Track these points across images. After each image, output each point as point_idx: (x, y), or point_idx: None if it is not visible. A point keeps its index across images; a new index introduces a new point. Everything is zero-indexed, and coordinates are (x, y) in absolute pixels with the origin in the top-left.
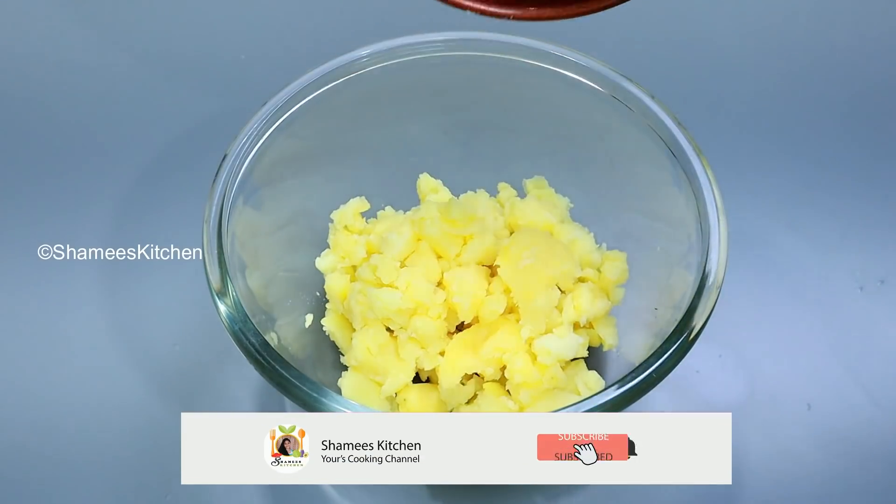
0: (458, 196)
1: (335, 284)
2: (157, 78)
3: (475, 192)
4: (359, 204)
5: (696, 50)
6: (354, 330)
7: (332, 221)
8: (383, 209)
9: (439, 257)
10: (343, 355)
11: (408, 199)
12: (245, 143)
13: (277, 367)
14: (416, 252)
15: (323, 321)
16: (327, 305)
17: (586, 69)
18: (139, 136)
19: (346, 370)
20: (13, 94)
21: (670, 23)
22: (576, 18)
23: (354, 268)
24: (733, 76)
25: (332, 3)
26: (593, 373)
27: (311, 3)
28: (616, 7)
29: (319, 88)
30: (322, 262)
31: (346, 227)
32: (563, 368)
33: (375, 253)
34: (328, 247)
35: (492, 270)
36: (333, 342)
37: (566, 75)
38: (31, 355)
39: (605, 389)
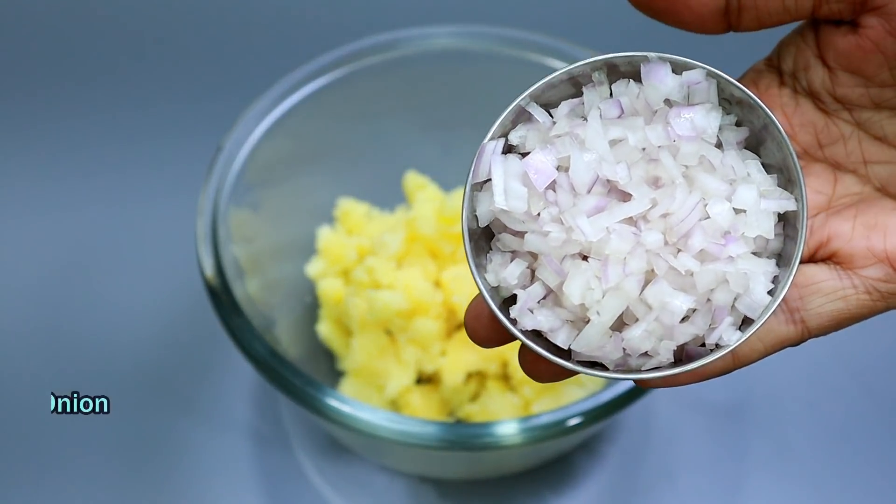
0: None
1: (329, 289)
2: (156, 79)
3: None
4: (346, 206)
5: (696, 48)
6: (351, 334)
7: (318, 228)
8: (368, 211)
9: (434, 256)
10: (339, 361)
11: (392, 199)
12: (235, 146)
13: (279, 369)
14: (410, 253)
15: (317, 327)
16: (320, 311)
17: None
18: (139, 137)
19: (344, 376)
20: (14, 92)
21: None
22: (576, 18)
23: (346, 272)
24: (733, 73)
25: (311, 4)
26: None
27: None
28: (615, 5)
29: (286, 98)
30: (312, 269)
31: (334, 231)
32: None
33: (367, 255)
34: (316, 253)
35: None
36: (326, 349)
37: (550, 64)
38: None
39: (608, 386)
